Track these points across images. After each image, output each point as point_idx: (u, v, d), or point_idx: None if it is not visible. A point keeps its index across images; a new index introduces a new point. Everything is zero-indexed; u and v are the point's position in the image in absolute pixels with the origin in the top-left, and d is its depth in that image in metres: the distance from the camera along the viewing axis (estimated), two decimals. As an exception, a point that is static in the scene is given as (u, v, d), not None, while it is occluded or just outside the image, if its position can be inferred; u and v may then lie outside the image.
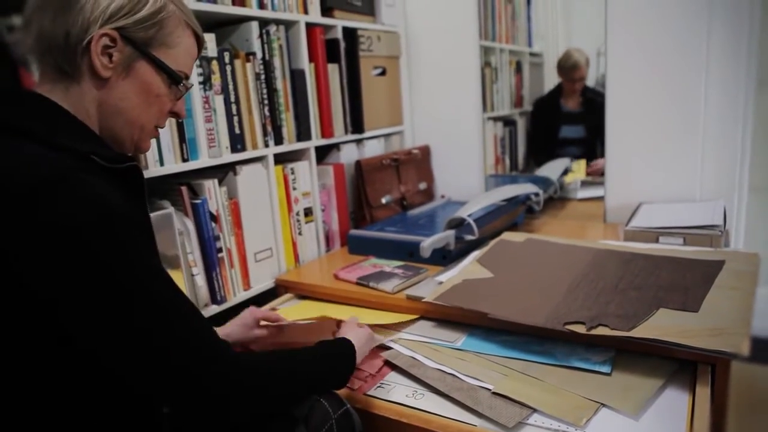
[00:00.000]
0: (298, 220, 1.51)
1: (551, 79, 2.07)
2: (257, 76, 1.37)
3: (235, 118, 1.31)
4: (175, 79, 0.76)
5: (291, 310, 1.23)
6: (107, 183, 0.63)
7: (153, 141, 1.12)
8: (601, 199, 1.74)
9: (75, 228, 0.58)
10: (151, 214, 1.09)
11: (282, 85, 1.44)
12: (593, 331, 0.89)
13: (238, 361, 0.69)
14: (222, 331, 1.03)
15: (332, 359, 0.85)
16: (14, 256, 0.57)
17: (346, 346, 0.88)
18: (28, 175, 0.58)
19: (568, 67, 1.95)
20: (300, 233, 1.51)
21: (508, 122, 2.14)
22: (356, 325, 1.02)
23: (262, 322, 1.07)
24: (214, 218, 1.26)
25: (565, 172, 1.98)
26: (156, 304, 0.62)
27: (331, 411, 0.80)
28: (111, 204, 0.61)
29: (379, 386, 0.93)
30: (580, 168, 1.98)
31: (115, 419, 0.67)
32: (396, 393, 0.91)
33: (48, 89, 0.70)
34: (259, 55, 1.37)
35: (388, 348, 1.04)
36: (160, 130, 0.82)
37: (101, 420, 0.66)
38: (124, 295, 0.60)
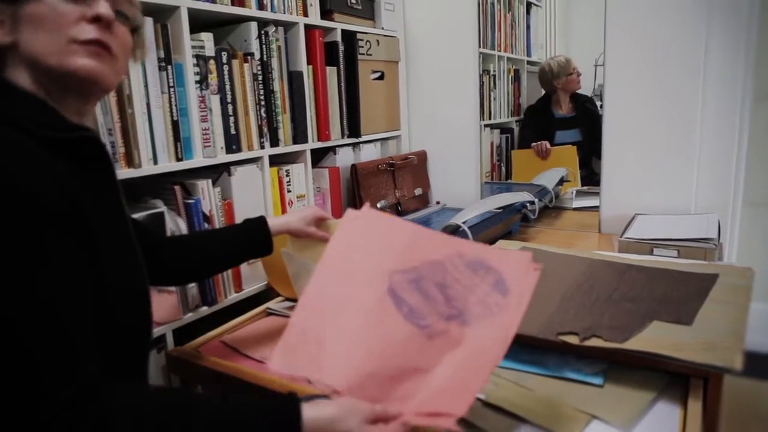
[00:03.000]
0: (292, 223, 1.50)
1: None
2: (255, 76, 1.36)
3: (231, 119, 1.30)
4: None
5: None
6: (35, 155, 0.60)
7: (146, 138, 1.11)
8: (596, 209, 1.74)
9: None
10: (143, 213, 1.08)
11: (279, 86, 1.43)
12: (586, 343, 0.89)
13: (92, 398, 0.57)
14: (283, 218, 1.07)
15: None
16: None
17: (289, 413, 0.64)
18: None
19: (563, 65, 2.03)
20: (293, 236, 1.50)
21: (505, 130, 2.14)
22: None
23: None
24: (207, 219, 1.25)
25: (561, 181, 1.98)
26: (37, 306, 0.56)
27: None
28: (20, 181, 0.57)
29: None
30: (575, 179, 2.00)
31: None
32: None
33: None
34: (257, 55, 1.36)
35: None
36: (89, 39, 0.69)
37: None
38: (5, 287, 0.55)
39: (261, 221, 1.06)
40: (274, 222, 1.07)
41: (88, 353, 0.59)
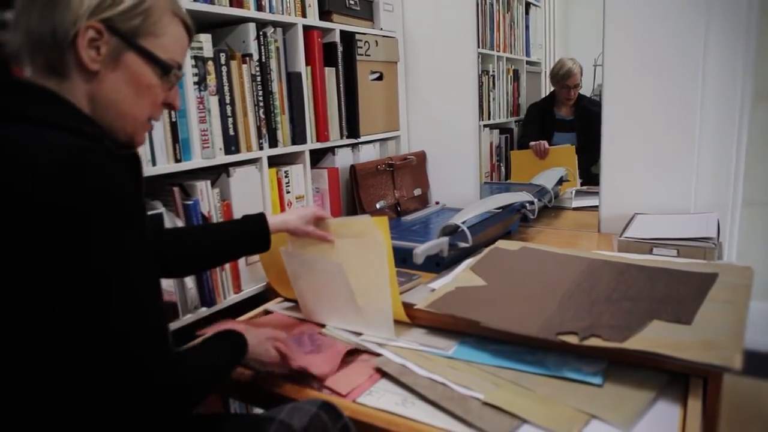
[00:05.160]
0: (291, 224, 1.49)
1: (549, 88, 2.08)
2: (253, 77, 1.36)
3: (230, 120, 1.30)
4: (165, 69, 0.75)
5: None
6: (115, 165, 0.65)
7: (146, 139, 1.11)
8: (595, 208, 1.74)
9: (87, 213, 0.60)
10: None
11: (278, 87, 1.43)
12: (586, 342, 0.88)
13: (178, 365, 0.71)
14: (282, 216, 1.10)
15: (230, 354, 0.85)
16: (20, 237, 0.58)
17: (237, 337, 0.88)
18: (56, 157, 0.60)
19: (561, 75, 1.97)
20: (293, 237, 1.50)
21: (504, 130, 2.14)
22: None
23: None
24: (206, 220, 1.24)
25: (560, 181, 1.98)
26: (130, 292, 0.64)
27: (330, 424, 0.80)
28: (123, 191, 0.63)
29: (368, 393, 0.92)
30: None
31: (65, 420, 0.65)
32: (385, 401, 0.89)
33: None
34: (256, 56, 1.36)
35: (379, 355, 1.03)
36: (154, 124, 0.82)
37: (51, 413, 0.64)
38: (103, 278, 0.61)
39: (260, 217, 1.07)
40: (273, 219, 1.08)
41: (167, 332, 0.73)
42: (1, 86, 0.69)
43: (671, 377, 0.88)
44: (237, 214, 1.32)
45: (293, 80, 1.47)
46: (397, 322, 1.09)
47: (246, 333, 0.88)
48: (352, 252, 1.11)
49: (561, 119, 2.04)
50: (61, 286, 0.59)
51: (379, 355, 1.03)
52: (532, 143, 2.04)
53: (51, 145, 0.61)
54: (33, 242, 0.58)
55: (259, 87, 1.38)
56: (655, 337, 0.88)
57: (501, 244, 1.39)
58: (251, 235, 1.06)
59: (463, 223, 1.33)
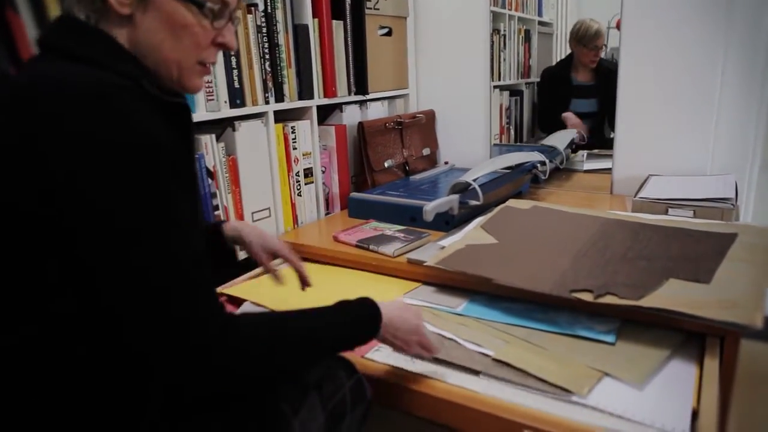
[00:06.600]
0: (298, 181, 1.47)
1: (560, 51, 2.01)
2: (258, 28, 1.31)
3: (235, 72, 1.26)
4: (198, 4, 0.68)
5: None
6: (153, 112, 0.60)
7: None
8: (607, 171, 1.70)
9: (108, 144, 0.55)
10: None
11: (284, 39, 1.38)
12: (600, 300, 0.86)
13: (237, 324, 0.62)
14: (242, 224, 1.00)
15: (349, 326, 0.74)
16: (45, 161, 0.55)
17: (369, 307, 0.76)
18: (78, 86, 0.57)
19: (590, 36, 1.87)
20: (299, 194, 1.48)
21: (515, 92, 2.08)
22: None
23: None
24: (211, 174, 1.22)
25: (572, 143, 1.93)
26: (167, 246, 0.58)
27: (345, 379, 0.77)
28: (151, 132, 0.58)
29: (376, 349, 0.90)
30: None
31: (99, 379, 0.61)
32: (394, 357, 0.88)
33: None
34: (261, 6, 1.31)
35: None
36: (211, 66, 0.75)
37: (83, 377, 0.60)
38: (136, 228, 0.56)
39: (216, 225, 0.97)
40: (230, 224, 0.99)
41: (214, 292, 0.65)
42: (56, 26, 0.66)
43: (686, 337, 0.86)
44: (243, 169, 1.29)
45: (300, 32, 1.42)
46: (404, 278, 1.08)
47: (385, 308, 0.77)
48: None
49: (580, 85, 1.96)
50: (78, 227, 0.55)
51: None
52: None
53: (85, 77, 0.58)
54: (62, 181, 0.54)
55: (265, 39, 1.33)
56: (672, 296, 0.85)
57: (512, 203, 1.36)
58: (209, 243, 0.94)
59: (474, 180, 1.30)
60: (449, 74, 1.91)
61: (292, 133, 1.43)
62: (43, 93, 0.56)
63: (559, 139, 1.88)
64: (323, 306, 0.72)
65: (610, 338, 0.87)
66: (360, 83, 1.65)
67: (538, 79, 2.10)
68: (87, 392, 0.60)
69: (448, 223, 1.30)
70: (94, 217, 0.55)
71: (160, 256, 0.57)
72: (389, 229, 1.31)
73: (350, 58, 1.61)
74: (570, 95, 1.96)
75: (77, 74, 0.58)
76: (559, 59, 2.02)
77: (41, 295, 0.58)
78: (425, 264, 1.07)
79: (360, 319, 0.75)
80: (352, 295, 0.76)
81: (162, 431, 0.62)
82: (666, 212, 1.28)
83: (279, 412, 0.69)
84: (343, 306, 0.74)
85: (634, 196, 1.36)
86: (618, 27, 1.66)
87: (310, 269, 1.24)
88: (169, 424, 0.63)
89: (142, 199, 0.57)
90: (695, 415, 0.70)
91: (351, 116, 1.64)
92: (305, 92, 1.46)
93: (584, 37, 1.87)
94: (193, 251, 0.61)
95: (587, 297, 0.87)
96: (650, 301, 0.84)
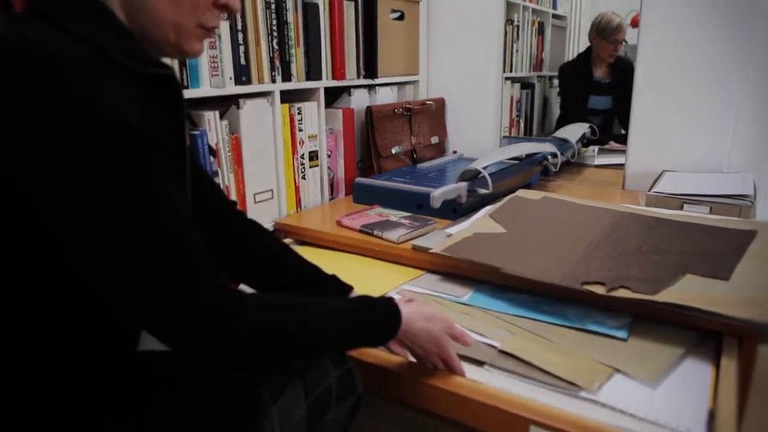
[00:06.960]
0: (303, 164, 1.43)
1: (573, 45, 1.96)
2: (267, 5, 1.27)
3: (241, 48, 1.22)
4: None
5: None
6: (120, 84, 0.54)
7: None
8: (619, 167, 1.66)
9: (59, 128, 0.50)
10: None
11: (293, 17, 1.34)
12: (613, 293, 0.82)
13: (242, 301, 0.58)
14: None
15: (365, 325, 0.69)
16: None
17: (390, 307, 0.71)
18: (25, 55, 0.51)
19: (611, 29, 1.81)
20: (303, 177, 1.44)
21: (526, 85, 2.03)
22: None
23: None
24: (213, 152, 1.18)
25: (583, 137, 1.88)
26: (156, 229, 0.54)
27: (332, 369, 0.71)
28: (105, 107, 0.52)
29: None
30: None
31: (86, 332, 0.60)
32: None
33: None
34: (270, -19, 1.27)
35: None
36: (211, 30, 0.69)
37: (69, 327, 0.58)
38: (115, 215, 0.52)
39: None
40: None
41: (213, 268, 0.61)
42: None
43: (701, 335, 0.82)
44: (246, 148, 1.25)
45: (309, 11, 1.38)
46: (408, 266, 1.04)
47: (408, 312, 0.72)
48: None
49: (598, 81, 1.91)
50: (58, 205, 0.52)
51: (389, 298, 0.98)
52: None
53: (36, 43, 0.52)
54: (26, 160, 0.51)
55: (273, 15, 1.29)
56: (689, 291, 0.81)
57: (522, 193, 1.33)
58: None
59: (484, 168, 1.26)
60: (461, 62, 1.87)
61: (299, 114, 1.39)
62: None
63: (570, 132, 1.84)
64: (342, 298, 0.69)
65: (622, 334, 0.83)
66: (369, 67, 1.61)
67: (551, 73, 2.05)
68: (67, 368, 0.58)
69: (455, 211, 1.26)
70: (67, 208, 0.52)
71: (154, 237, 0.54)
72: (394, 215, 1.28)
73: (360, 41, 1.57)
74: (588, 91, 1.92)
75: (29, 44, 0.52)
76: (571, 53, 1.97)
77: (29, 278, 0.56)
78: (431, 251, 1.03)
79: (377, 319, 0.70)
80: (352, 280, 0.72)
81: (130, 411, 0.60)
82: (681, 208, 1.24)
83: (257, 397, 0.65)
84: (363, 302, 0.70)
85: (648, 191, 1.32)
86: (633, 24, 1.62)
87: (311, 253, 1.21)
88: (136, 404, 0.61)
89: (107, 186, 0.52)
90: (711, 416, 0.66)
91: (359, 100, 1.61)
92: (313, 73, 1.42)
93: (605, 30, 1.82)
94: (187, 230, 0.57)
95: (599, 290, 0.83)
96: (666, 296, 0.80)
